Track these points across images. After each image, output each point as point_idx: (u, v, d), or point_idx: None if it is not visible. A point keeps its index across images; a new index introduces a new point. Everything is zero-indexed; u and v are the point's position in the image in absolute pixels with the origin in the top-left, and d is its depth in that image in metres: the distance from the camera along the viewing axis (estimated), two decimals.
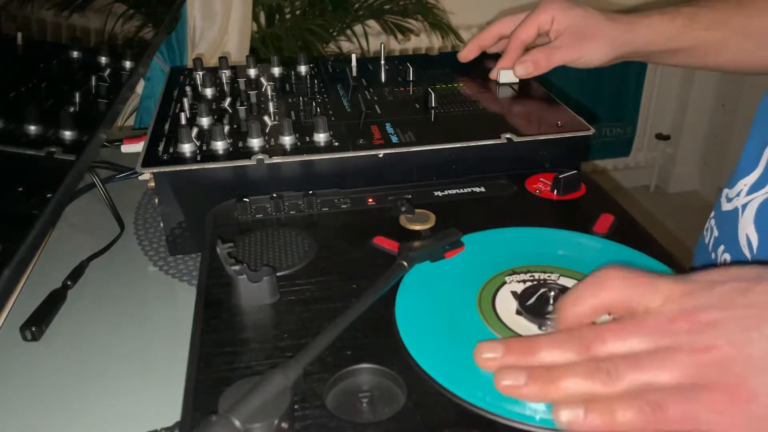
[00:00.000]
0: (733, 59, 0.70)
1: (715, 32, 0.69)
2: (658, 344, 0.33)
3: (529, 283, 0.42)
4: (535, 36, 0.74)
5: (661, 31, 0.69)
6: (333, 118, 0.66)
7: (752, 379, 0.31)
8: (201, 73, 0.78)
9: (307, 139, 0.61)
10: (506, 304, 0.41)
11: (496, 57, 0.77)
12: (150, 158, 0.58)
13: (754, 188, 0.60)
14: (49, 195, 0.52)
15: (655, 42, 0.70)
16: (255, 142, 0.60)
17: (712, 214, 0.67)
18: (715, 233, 0.63)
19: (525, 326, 0.39)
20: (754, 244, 0.56)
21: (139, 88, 1.03)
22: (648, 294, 0.34)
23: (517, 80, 0.75)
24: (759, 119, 0.62)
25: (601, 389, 0.32)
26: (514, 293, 0.42)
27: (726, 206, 0.63)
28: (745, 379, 0.31)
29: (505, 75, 0.75)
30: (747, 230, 0.56)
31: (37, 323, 0.54)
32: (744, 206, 0.61)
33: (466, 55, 0.80)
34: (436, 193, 0.55)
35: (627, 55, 0.72)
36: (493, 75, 0.76)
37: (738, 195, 0.62)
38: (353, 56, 0.81)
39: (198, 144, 0.60)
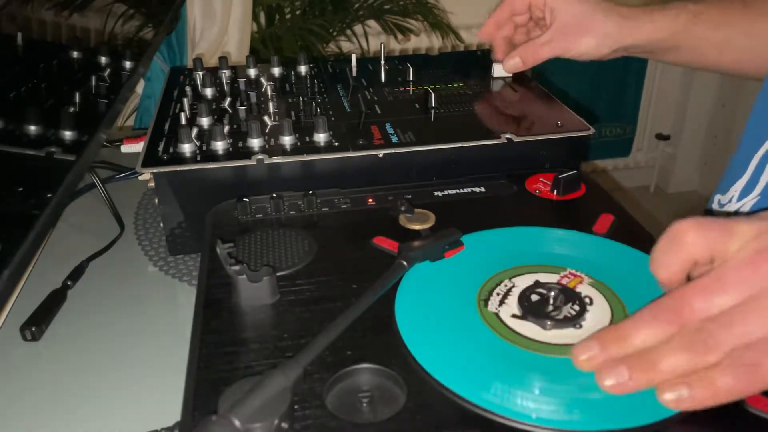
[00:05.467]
0: (735, 60, 0.69)
1: (719, 31, 0.68)
2: (745, 294, 0.32)
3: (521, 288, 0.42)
4: (526, 10, 0.73)
5: (664, 27, 0.68)
6: (333, 118, 0.66)
7: None
8: (201, 73, 0.78)
9: (307, 139, 0.61)
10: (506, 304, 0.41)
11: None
12: (150, 158, 0.58)
13: (744, 194, 0.60)
14: (49, 195, 0.52)
15: (658, 38, 0.69)
16: (255, 142, 0.60)
17: None
18: None
19: (525, 325, 0.39)
20: None
21: (139, 88, 1.03)
22: (724, 240, 0.34)
23: (510, 74, 0.75)
24: (750, 125, 0.62)
25: (702, 361, 0.32)
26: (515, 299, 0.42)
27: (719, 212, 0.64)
28: None
29: (498, 69, 0.76)
30: None
31: (37, 323, 0.54)
32: (736, 212, 0.61)
33: (486, 32, 0.78)
34: (435, 193, 0.55)
35: (625, 49, 0.71)
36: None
37: (730, 201, 0.62)
38: (353, 56, 0.81)
39: (198, 144, 0.60)
